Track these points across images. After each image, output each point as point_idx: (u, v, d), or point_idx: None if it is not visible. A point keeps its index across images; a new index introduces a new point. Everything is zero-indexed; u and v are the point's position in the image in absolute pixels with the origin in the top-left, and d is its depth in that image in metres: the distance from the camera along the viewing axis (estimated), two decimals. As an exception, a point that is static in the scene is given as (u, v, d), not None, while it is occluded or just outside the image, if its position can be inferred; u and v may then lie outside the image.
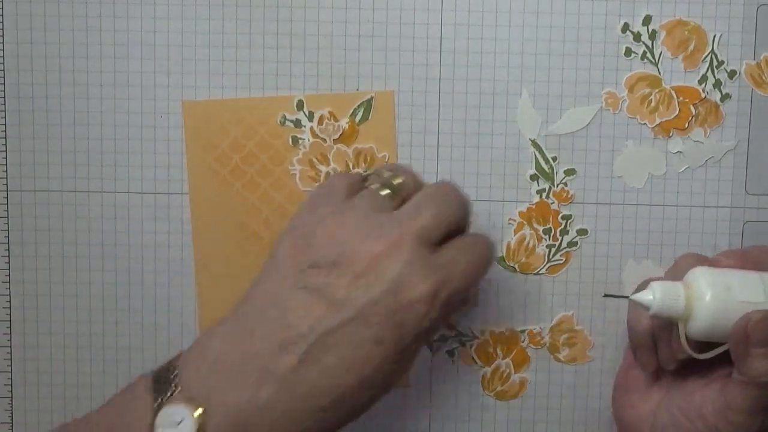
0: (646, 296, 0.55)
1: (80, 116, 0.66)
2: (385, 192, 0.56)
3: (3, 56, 0.65)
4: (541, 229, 0.66)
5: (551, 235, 0.66)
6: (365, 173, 0.59)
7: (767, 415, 0.54)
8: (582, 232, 0.66)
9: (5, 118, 0.66)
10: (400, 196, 0.57)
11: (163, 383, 0.52)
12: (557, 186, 0.66)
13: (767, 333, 0.53)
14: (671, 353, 0.57)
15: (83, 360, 0.68)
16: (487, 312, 0.67)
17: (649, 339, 0.59)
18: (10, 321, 0.67)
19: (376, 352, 0.52)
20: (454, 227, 0.55)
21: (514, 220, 0.66)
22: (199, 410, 0.51)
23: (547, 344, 0.67)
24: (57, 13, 0.65)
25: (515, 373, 0.68)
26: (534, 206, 0.66)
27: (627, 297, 0.56)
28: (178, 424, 0.51)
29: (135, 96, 0.66)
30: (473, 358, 0.68)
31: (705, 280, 0.54)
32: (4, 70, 0.66)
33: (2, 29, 0.65)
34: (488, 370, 0.68)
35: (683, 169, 0.66)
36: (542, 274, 0.67)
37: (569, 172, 0.66)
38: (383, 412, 0.68)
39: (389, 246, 0.52)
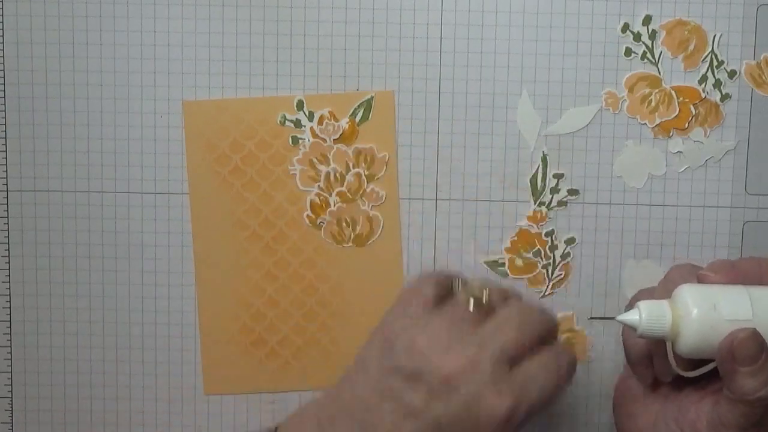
0: (632, 317, 0.54)
1: (80, 116, 0.66)
2: (471, 304, 0.57)
3: (3, 56, 0.65)
4: (531, 253, 0.66)
5: (542, 254, 0.66)
6: (455, 279, 0.60)
7: (759, 430, 0.54)
8: (570, 240, 0.66)
9: (5, 118, 0.66)
10: (484, 311, 0.57)
11: None
12: (537, 204, 0.66)
13: (753, 351, 0.52)
14: (666, 367, 0.57)
15: (83, 360, 0.68)
16: (487, 312, 0.67)
17: (644, 353, 0.59)
18: (10, 321, 0.67)
19: None
20: (537, 344, 0.56)
21: (504, 261, 0.67)
22: None
23: (547, 344, 0.67)
24: (57, 13, 0.65)
25: (515, 373, 0.68)
26: (516, 238, 0.66)
27: (613, 318, 0.56)
28: None
29: (135, 96, 0.66)
30: (473, 358, 0.68)
31: (691, 299, 0.54)
32: (4, 70, 0.66)
33: (2, 29, 0.65)
34: (488, 370, 0.68)
35: (683, 169, 0.66)
36: (548, 294, 0.67)
37: (572, 193, 0.66)
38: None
39: (468, 364, 0.54)
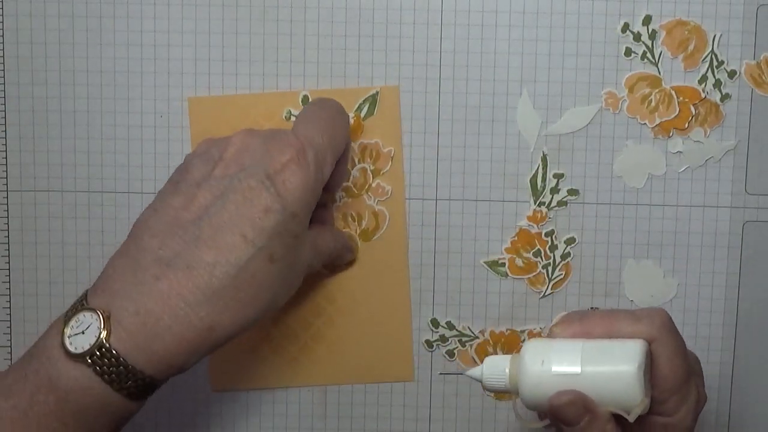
0: (476, 372, 0.56)
1: (80, 116, 0.66)
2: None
3: (3, 56, 0.65)
4: (531, 253, 0.67)
5: (542, 254, 0.67)
6: None
7: None
8: (570, 241, 0.66)
9: (5, 118, 0.66)
10: None
11: (73, 308, 0.54)
12: (537, 204, 0.66)
13: (571, 416, 0.53)
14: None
15: (83, 360, 0.68)
16: (487, 312, 0.67)
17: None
18: (10, 321, 0.67)
19: (267, 220, 0.54)
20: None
21: (504, 261, 0.67)
22: (103, 314, 0.52)
23: (547, 344, 0.67)
24: (57, 13, 0.65)
25: (515, 373, 0.68)
26: (516, 238, 0.66)
27: (462, 373, 0.57)
28: (86, 330, 0.52)
29: (135, 96, 0.66)
30: (473, 358, 0.67)
31: (528, 354, 0.54)
32: (4, 70, 0.65)
33: (2, 29, 0.65)
34: (488, 370, 0.68)
35: (683, 169, 0.66)
36: (548, 294, 0.67)
37: (572, 193, 0.66)
38: (383, 412, 0.68)
39: (249, 132, 0.58)
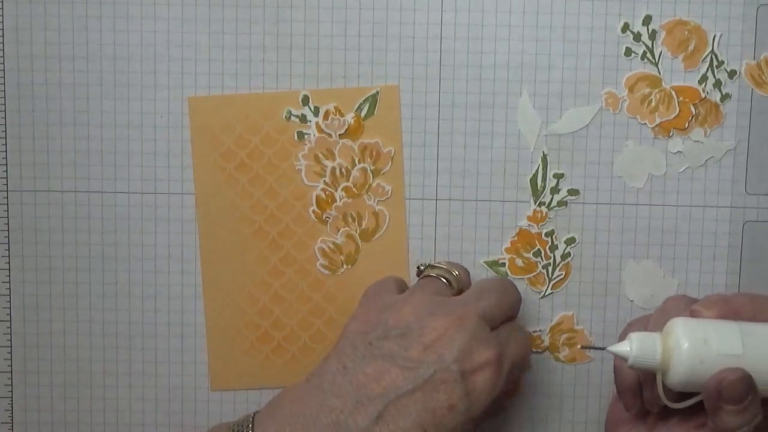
0: (623, 347, 0.55)
1: (80, 116, 0.66)
2: (444, 280, 0.62)
3: (3, 56, 0.65)
4: (531, 253, 0.67)
5: (542, 254, 0.67)
6: (421, 266, 0.65)
7: None
8: (570, 240, 0.66)
9: (5, 118, 0.66)
10: (456, 288, 0.63)
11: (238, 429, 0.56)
12: (537, 204, 0.66)
13: (740, 392, 0.53)
14: (655, 398, 0.57)
15: (83, 360, 0.68)
16: (488, 312, 0.67)
17: (635, 382, 0.59)
18: (10, 321, 0.67)
19: (448, 418, 0.55)
20: (509, 314, 0.61)
21: (504, 261, 0.67)
22: None
23: (547, 344, 0.67)
24: (57, 13, 0.65)
25: (515, 373, 0.68)
26: (516, 238, 0.66)
27: (604, 348, 0.56)
28: None
29: (135, 96, 0.66)
30: (473, 358, 0.68)
31: (683, 332, 0.54)
32: (4, 70, 0.65)
33: (2, 29, 0.65)
34: (488, 370, 0.68)
35: (683, 169, 0.66)
36: (548, 294, 0.67)
37: (572, 193, 0.66)
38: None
39: (455, 321, 0.57)
